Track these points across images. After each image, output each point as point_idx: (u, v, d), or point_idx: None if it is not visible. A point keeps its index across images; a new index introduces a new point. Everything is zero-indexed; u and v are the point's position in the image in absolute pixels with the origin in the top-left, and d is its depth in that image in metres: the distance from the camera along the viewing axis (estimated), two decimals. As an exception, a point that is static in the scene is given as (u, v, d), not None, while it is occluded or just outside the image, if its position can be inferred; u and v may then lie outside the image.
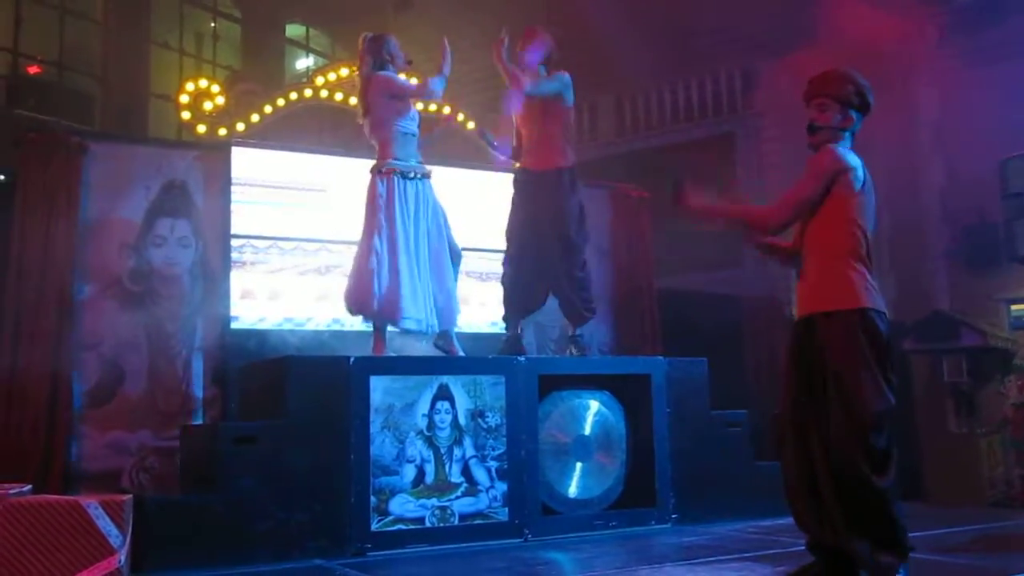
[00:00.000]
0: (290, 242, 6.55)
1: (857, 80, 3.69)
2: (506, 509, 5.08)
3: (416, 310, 5.20)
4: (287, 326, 6.46)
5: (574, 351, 5.95)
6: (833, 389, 3.47)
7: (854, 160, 3.61)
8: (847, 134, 3.68)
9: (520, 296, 5.83)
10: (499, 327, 6.26)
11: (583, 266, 5.87)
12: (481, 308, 7.05)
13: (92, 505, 3.47)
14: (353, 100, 7.18)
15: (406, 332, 5.37)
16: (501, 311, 5.98)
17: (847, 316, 3.50)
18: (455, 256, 5.54)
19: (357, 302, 5.25)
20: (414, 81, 5.81)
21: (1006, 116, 9.48)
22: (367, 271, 5.19)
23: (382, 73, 5.40)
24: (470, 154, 7.55)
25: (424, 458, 4.94)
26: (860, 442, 3.39)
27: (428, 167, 5.49)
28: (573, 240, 5.73)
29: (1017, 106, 9.64)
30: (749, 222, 3.84)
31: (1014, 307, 9.70)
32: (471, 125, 7.76)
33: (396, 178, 5.31)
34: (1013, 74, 9.47)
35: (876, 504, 3.40)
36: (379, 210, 5.27)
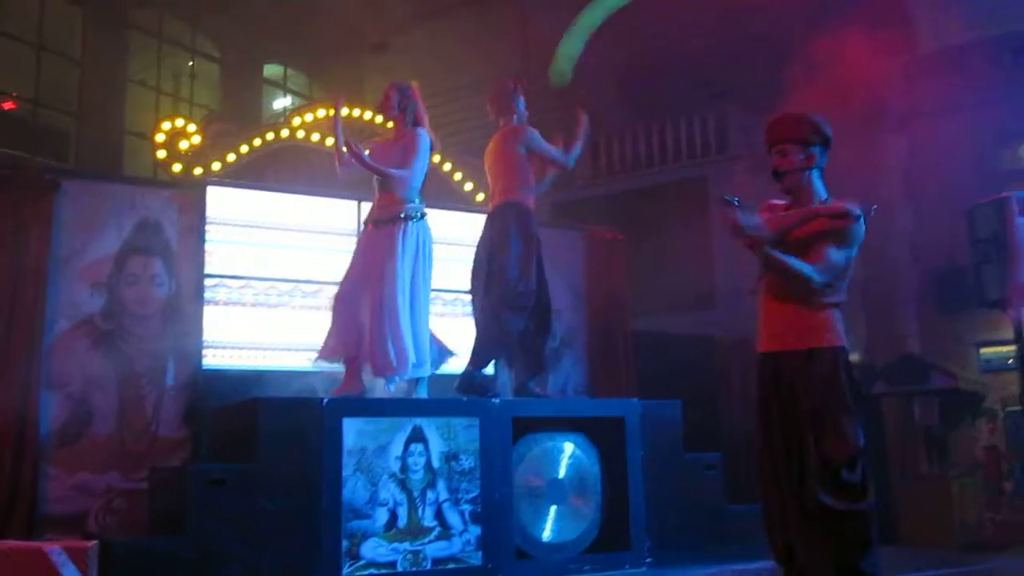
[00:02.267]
0: (264, 282, 6.52)
1: (811, 119, 3.79)
2: (480, 553, 5.03)
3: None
4: (260, 365, 6.40)
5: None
6: (809, 425, 3.50)
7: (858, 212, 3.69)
8: (815, 171, 3.76)
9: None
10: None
11: (507, 318, 5.56)
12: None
13: (56, 551, 3.40)
14: (330, 141, 7.21)
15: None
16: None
17: (830, 353, 3.56)
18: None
19: (400, 364, 5.20)
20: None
21: (973, 162, 9.67)
22: (405, 330, 5.20)
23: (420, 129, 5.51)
24: (447, 196, 7.58)
25: (397, 501, 4.89)
26: (834, 477, 3.43)
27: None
28: (505, 286, 5.56)
29: (984, 152, 9.84)
30: (787, 268, 3.64)
31: (984, 350, 9.80)
32: (447, 167, 7.80)
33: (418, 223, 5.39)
34: (980, 121, 9.67)
35: (854, 529, 3.43)
36: (418, 261, 5.34)
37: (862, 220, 3.65)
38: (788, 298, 3.68)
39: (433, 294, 5.71)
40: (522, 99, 5.78)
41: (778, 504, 3.57)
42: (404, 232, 5.31)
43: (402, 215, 5.34)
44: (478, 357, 5.62)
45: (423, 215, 5.44)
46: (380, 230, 5.37)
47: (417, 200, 5.45)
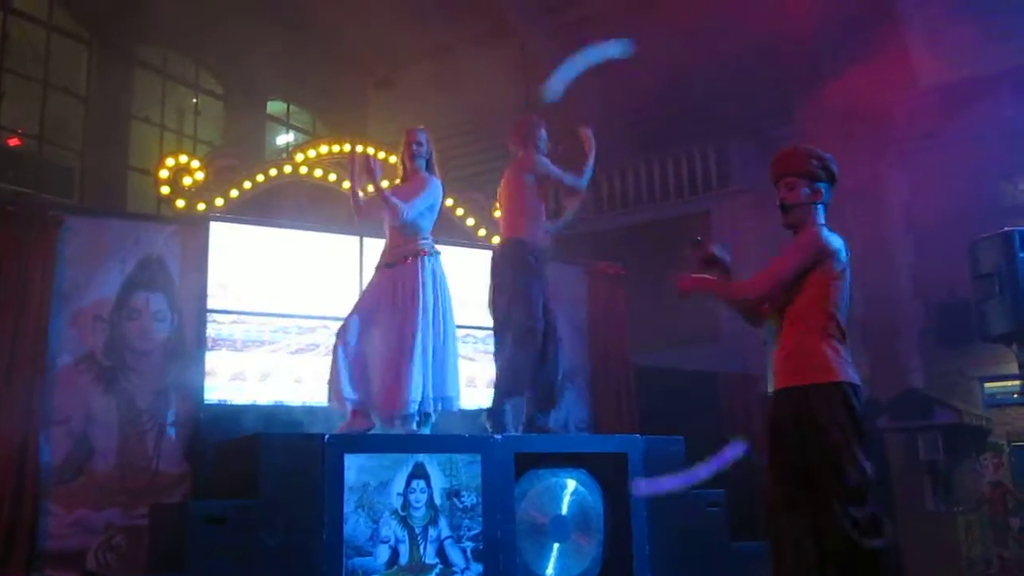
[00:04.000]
0: (266, 317, 6.52)
1: (818, 153, 3.82)
2: (481, 591, 4.98)
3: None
4: (262, 400, 6.39)
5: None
6: (816, 461, 3.51)
7: (837, 243, 3.72)
8: (820, 206, 3.78)
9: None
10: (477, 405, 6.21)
11: (515, 352, 5.54)
12: (467, 387, 7.02)
13: (55, 588, 3.38)
14: (333, 177, 7.25)
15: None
16: (487, 389, 5.89)
17: (826, 390, 3.56)
18: None
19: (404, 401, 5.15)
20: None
21: (974, 196, 9.70)
22: (425, 366, 5.17)
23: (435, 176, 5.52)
24: (449, 232, 7.60)
25: (398, 538, 4.85)
26: (844, 512, 3.44)
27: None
28: (511, 321, 5.55)
29: (984, 187, 9.87)
30: (731, 293, 3.91)
31: (987, 384, 9.77)
32: (449, 203, 7.82)
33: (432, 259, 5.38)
34: (981, 155, 9.71)
35: (863, 567, 3.42)
36: (436, 295, 5.29)
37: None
38: (786, 336, 3.71)
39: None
40: (544, 134, 5.79)
41: (789, 542, 3.55)
42: (422, 267, 5.31)
43: (417, 252, 5.33)
44: (499, 394, 5.64)
45: (438, 252, 5.45)
46: (395, 270, 5.34)
47: (430, 240, 5.45)
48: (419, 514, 4.93)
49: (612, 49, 5.13)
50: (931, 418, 8.80)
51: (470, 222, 7.92)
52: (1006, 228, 6.88)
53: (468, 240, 7.69)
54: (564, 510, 5.50)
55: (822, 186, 3.78)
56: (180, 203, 6.72)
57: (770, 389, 3.84)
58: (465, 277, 6.89)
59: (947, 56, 10.28)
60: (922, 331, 10.17)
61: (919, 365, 10.06)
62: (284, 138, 15.64)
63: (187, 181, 6.71)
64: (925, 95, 10.33)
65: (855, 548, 3.42)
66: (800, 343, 3.66)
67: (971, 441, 9.22)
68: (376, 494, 4.83)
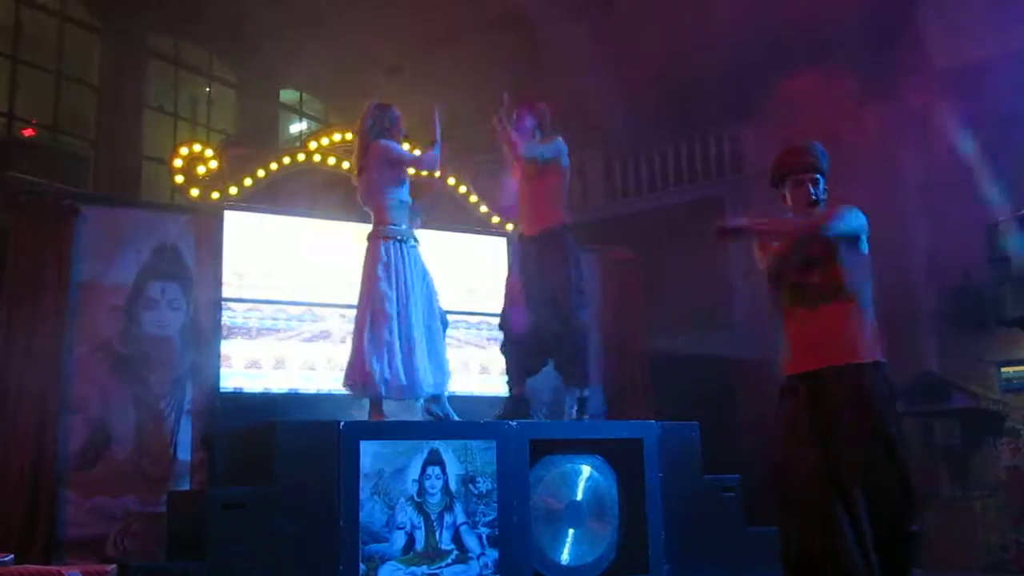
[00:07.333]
0: (281, 305, 6.54)
1: (825, 149, 3.86)
2: (497, 576, 5.00)
3: (420, 379, 5.21)
4: (278, 388, 6.41)
5: (575, 414, 5.87)
6: (880, 442, 3.46)
7: None
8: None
9: (521, 358, 5.78)
10: (492, 392, 6.23)
11: (579, 330, 5.74)
12: (481, 374, 7.05)
13: None
14: (346, 164, 7.25)
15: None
16: (501, 376, 5.92)
17: (881, 369, 3.56)
18: (444, 322, 5.54)
19: (362, 384, 5.16)
20: (416, 152, 5.86)
21: (990, 179, 9.62)
22: (376, 346, 5.14)
23: (381, 141, 5.43)
24: (463, 218, 7.59)
25: (414, 524, 4.87)
26: (909, 498, 3.45)
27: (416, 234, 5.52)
28: (567, 304, 5.68)
29: (1001, 170, 9.78)
30: (795, 229, 3.76)
31: (1004, 369, 9.72)
32: (463, 189, 7.81)
33: (397, 244, 5.32)
34: (996, 139, 9.62)
35: (911, 552, 3.47)
36: (381, 277, 5.25)
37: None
38: (838, 311, 3.66)
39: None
40: (528, 122, 5.82)
41: (827, 520, 3.50)
42: (373, 249, 5.34)
43: (374, 234, 5.39)
44: (518, 379, 5.71)
45: (398, 238, 5.38)
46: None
47: (399, 222, 5.43)
48: (435, 500, 4.95)
49: None
50: (947, 402, 8.77)
51: (483, 209, 7.91)
52: (1023, 211, 6.83)
53: (481, 227, 7.67)
54: (579, 496, 5.51)
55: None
56: (194, 192, 6.73)
57: (796, 368, 3.71)
58: (482, 264, 6.91)
59: (963, 35, 10.18)
60: (937, 315, 10.10)
61: (935, 349, 9.99)
62: (297, 126, 15.66)
63: (201, 170, 6.72)
64: (940, 75, 10.24)
65: (906, 531, 3.43)
66: (857, 319, 3.63)
67: (987, 425, 9.17)
68: (392, 480, 4.85)
